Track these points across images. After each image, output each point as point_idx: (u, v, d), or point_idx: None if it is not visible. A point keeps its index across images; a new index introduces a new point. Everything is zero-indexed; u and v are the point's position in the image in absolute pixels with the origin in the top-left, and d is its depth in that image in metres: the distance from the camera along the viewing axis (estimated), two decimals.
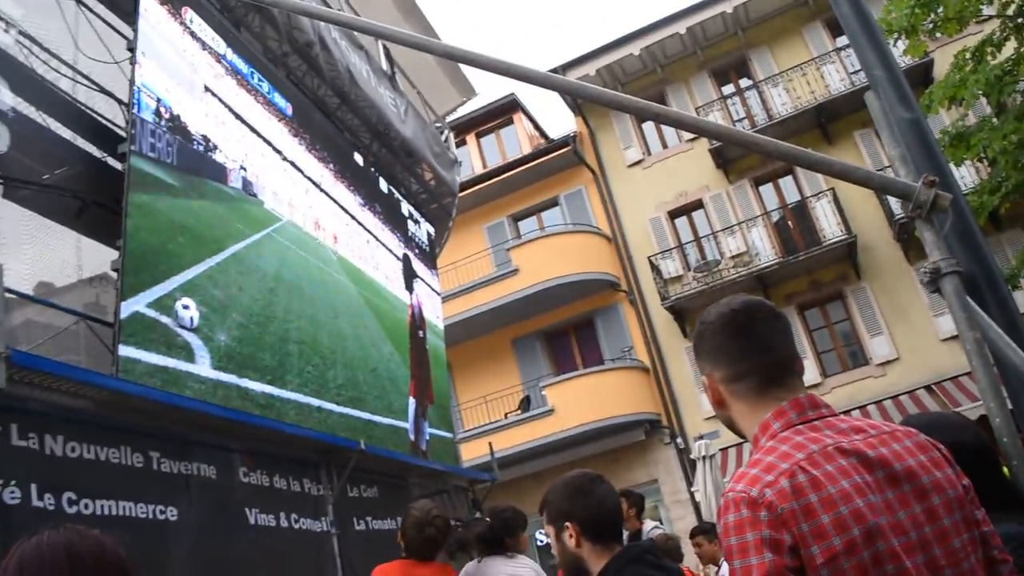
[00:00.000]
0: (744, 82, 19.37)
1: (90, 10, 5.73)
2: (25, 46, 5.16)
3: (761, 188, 18.47)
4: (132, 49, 5.49)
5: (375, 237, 9.37)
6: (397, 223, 10.07)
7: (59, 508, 4.22)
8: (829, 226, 16.95)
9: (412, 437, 9.05)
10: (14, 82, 4.91)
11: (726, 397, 1.64)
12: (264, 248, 6.95)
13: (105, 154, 5.67)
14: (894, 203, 16.10)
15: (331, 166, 8.55)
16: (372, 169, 9.63)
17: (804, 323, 17.24)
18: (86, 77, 5.69)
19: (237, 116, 6.86)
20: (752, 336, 1.61)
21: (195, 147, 6.15)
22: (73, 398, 4.47)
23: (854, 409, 15.29)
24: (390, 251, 9.73)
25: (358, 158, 9.31)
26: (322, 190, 8.24)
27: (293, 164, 7.75)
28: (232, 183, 6.64)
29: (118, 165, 5.51)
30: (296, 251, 7.52)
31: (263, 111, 7.30)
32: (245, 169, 6.82)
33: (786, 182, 18.36)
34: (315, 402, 6.98)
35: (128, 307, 4.99)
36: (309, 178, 8.00)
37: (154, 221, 5.46)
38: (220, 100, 6.62)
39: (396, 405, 8.65)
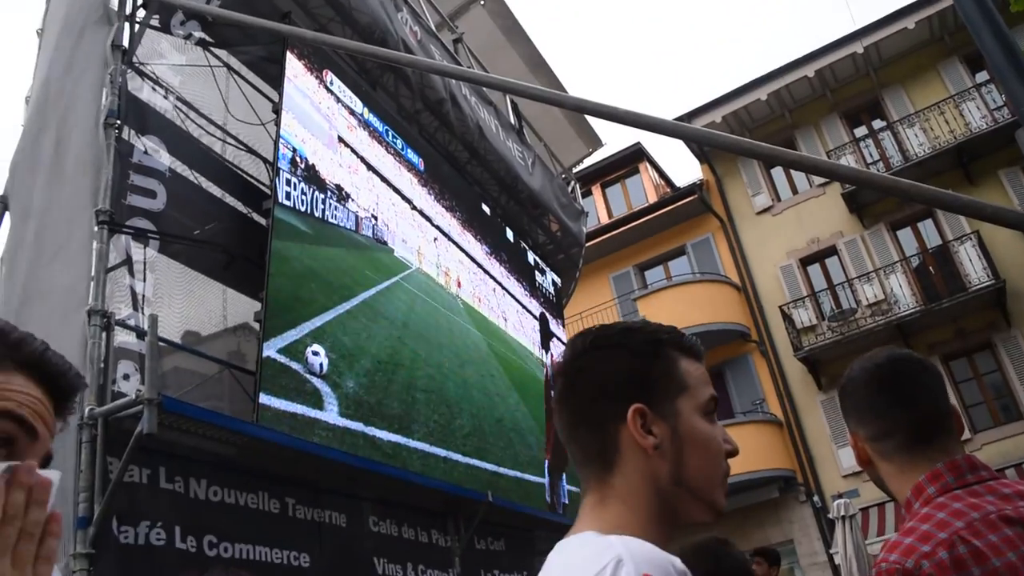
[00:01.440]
0: (877, 123, 18.72)
1: (240, 76, 6.10)
2: (182, 111, 5.53)
3: (898, 232, 17.70)
4: (277, 111, 5.79)
5: (501, 286, 9.44)
6: (523, 273, 10.14)
7: (200, 551, 4.38)
8: (975, 271, 16.04)
9: (549, 499, 9.00)
10: (171, 144, 5.26)
11: (873, 457, 1.56)
12: (393, 296, 7.07)
13: (250, 210, 5.97)
14: None
15: (458, 215, 8.69)
16: (499, 219, 9.76)
17: (950, 374, 16.26)
18: (234, 138, 6.03)
19: (369, 166, 7.07)
20: (897, 390, 1.52)
21: (328, 196, 6.36)
22: (217, 443, 4.66)
23: (1008, 468, 14.27)
24: (517, 301, 9.78)
25: (485, 208, 9.48)
26: (450, 239, 8.39)
27: (422, 213, 7.90)
28: (363, 231, 6.82)
29: (262, 220, 5.79)
30: (424, 299, 7.61)
31: (394, 162, 7.51)
32: (376, 218, 7.01)
33: (926, 225, 17.54)
34: (441, 452, 7.02)
35: (262, 352, 5.19)
36: (438, 227, 8.15)
37: (289, 268, 5.65)
38: (353, 151, 6.85)
39: (522, 457, 8.60)
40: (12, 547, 0.72)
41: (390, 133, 7.51)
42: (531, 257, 10.54)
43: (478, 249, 9.04)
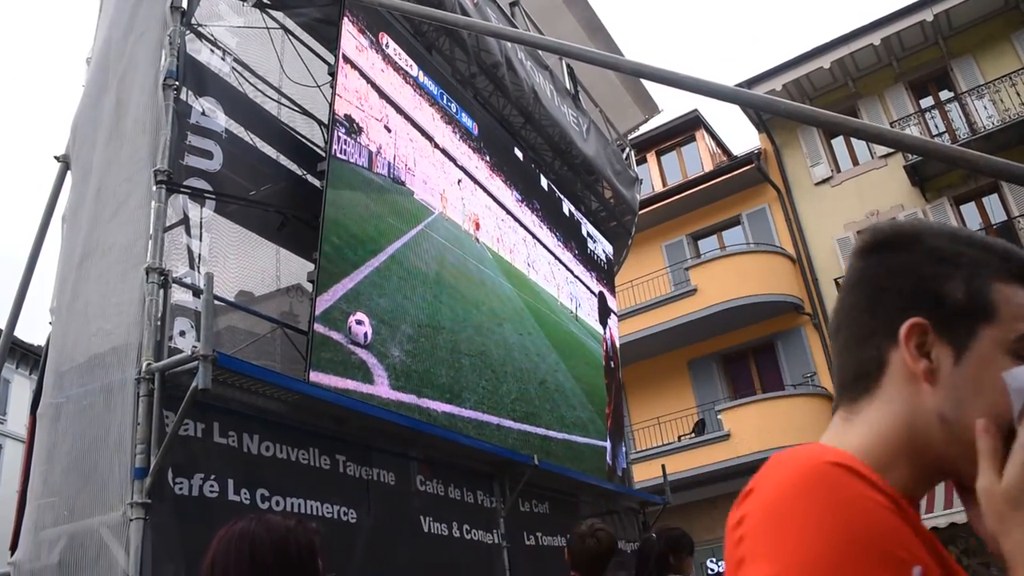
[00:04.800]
0: (945, 94, 18.13)
1: (296, 38, 6.13)
2: (239, 72, 5.58)
3: (962, 207, 17.20)
4: (333, 74, 5.81)
5: (533, 235, 8.85)
6: (558, 223, 9.65)
7: (253, 503, 4.49)
8: None
9: (610, 461, 9.02)
10: (228, 106, 5.32)
11: None
12: (420, 248, 6.55)
13: (305, 171, 6.03)
14: None
15: (486, 158, 8.05)
16: (532, 166, 9.28)
17: None
18: (289, 99, 6.08)
19: (381, 94, 6.38)
20: None
21: (336, 127, 5.72)
22: (269, 400, 4.76)
23: None
24: (550, 252, 9.28)
25: (518, 153, 8.93)
26: (475, 181, 7.79)
27: (444, 152, 7.26)
28: (378, 169, 6.21)
29: (316, 182, 5.85)
30: (453, 250, 7.09)
31: (412, 94, 6.89)
32: (389, 153, 6.34)
33: (991, 200, 17.01)
34: (493, 420, 6.94)
35: (315, 310, 5.14)
36: (462, 167, 7.53)
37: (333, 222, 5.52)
38: (362, 74, 6.15)
39: (568, 419, 8.56)
40: None
41: (444, 96, 7.48)
42: (567, 207, 9.97)
43: (508, 195, 8.41)
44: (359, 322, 5.52)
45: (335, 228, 5.57)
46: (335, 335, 5.35)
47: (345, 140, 5.78)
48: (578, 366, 9.32)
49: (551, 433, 8.00)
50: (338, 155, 5.69)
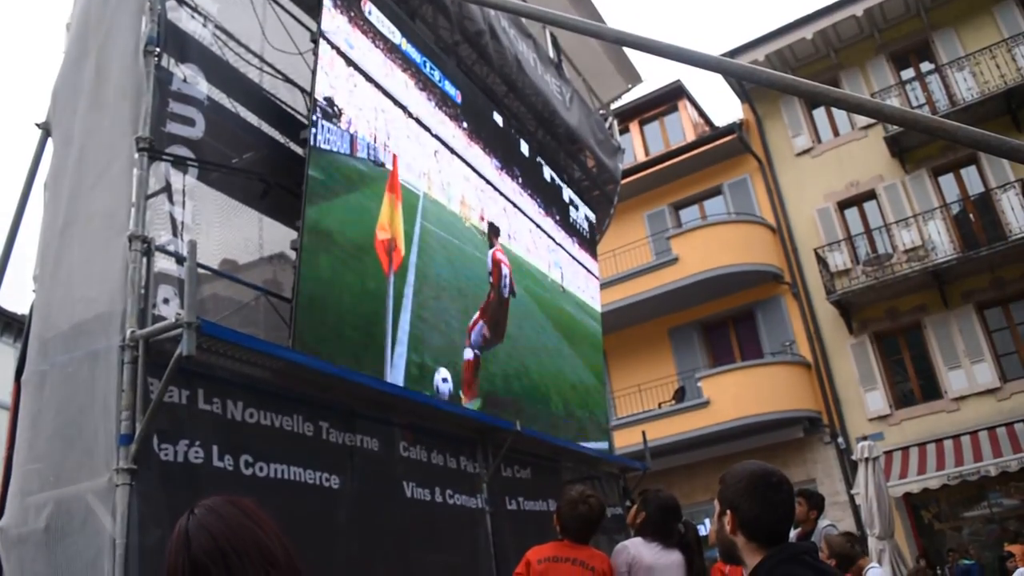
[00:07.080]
0: (925, 66, 18.20)
1: (278, 3, 6.08)
2: (220, 39, 5.54)
3: (940, 178, 17.36)
4: (315, 40, 5.77)
5: (513, 204, 8.10)
6: (538, 188, 9.10)
7: (237, 469, 4.54)
8: (1016, 220, 15.75)
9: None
10: (209, 73, 5.28)
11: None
12: (431, 249, 6.09)
13: (287, 139, 6.01)
14: None
15: (464, 126, 7.43)
16: (513, 131, 8.75)
17: (983, 323, 16.13)
18: (271, 67, 6.04)
19: (349, 61, 5.87)
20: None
21: (315, 112, 5.34)
22: (252, 367, 4.78)
23: None
24: (531, 220, 8.48)
25: (497, 119, 8.33)
26: (453, 151, 7.19)
27: (418, 121, 6.62)
28: (359, 153, 5.68)
29: (299, 150, 5.83)
30: (452, 241, 6.62)
31: (383, 58, 6.33)
32: (361, 130, 5.78)
33: (969, 172, 17.17)
34: (559, 443, 6.97)
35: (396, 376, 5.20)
36: (437, 136, 6.94)
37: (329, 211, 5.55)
38: (331, 44, 5.75)
39: (595, 422, 8.45)
40: None
41: (428, 64, 7.43)
42: (548, 172, 9.43)
43: (487, 163, 7.71)
44: (444, 380, 5.63)
45: (361, 255, 5.38)
46: (425, 394, 5.49)
47: (328, 128, 5.42)
48: (584, 351, 8.97)
49: (594, 445, 7.98)
50: (321, 145, 5.39)
